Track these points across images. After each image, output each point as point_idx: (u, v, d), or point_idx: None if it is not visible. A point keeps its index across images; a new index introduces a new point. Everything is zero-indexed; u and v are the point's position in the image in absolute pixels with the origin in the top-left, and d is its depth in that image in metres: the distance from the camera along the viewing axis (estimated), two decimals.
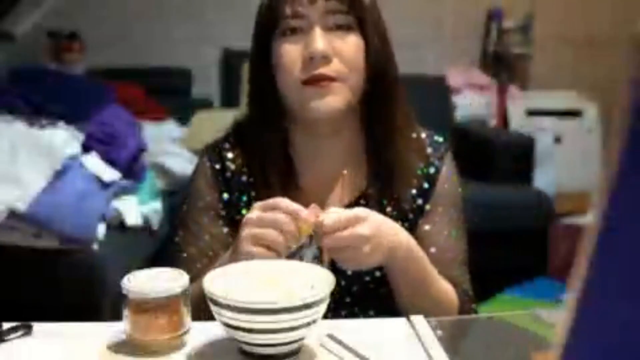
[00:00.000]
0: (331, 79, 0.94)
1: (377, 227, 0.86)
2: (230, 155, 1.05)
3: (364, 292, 1.01)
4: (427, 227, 1.02)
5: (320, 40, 0.93)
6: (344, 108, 0.97)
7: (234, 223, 1.00)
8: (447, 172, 1.05)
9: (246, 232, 0.85)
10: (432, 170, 1.03)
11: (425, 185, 1.03)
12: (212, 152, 1.06)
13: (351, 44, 0.96)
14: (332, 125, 1.00)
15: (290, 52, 0.95)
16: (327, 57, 0.94)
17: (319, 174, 1.03)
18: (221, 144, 1.07)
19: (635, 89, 0.26)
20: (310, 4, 0.94)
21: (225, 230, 1.02)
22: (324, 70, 0.94)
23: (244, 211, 1.01)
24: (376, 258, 0.87)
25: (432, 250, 0.99)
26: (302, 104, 0.97)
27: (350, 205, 1.01)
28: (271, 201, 0.85)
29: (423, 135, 1.07)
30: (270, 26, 0.97)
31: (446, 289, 0.97)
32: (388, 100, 1.00)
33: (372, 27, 0.97)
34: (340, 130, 1.01)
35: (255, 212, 0.86)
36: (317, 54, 0.93)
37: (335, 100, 0.95)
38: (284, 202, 0.85)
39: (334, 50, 0.94)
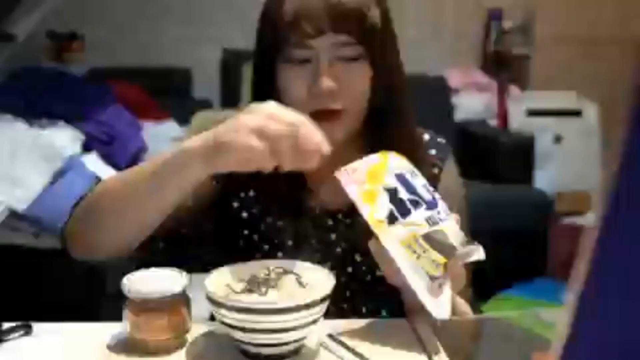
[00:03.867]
0: (337, 112, 0.93)
1: None
2: None
3: (364, 289, 1.01)
4: None
5: (326, 79, 0.91)
6: (348, 135, 0.97)
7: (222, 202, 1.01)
8: (450, 172, 1.05)
9: (244, 139, 0.77)
10: (435, 170, 1.04)
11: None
12: None
13: (358, 75, 0.93)
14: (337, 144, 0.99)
15: (295, 83, 0.93)
16: (333, 93, 0.92)
17: (325, 177, 1.03)
18: None
19: (636, 90, 0.26)
20: (319, 36, 0.90)
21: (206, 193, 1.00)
22: (330, 105, 0.93)
23: (235, 203, 1.02)
24: None
25: None
26: None
27: (354, 205, 1.01)
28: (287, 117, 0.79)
29: (426, 137, 1.07)
30: (274, 50, 0.94)
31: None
32: (391, 124, 0.99)
33: (381, 54, 0.94)
34: (346, 143, 1.00)
35: (274, 123, 0.77)
36: (324, 91, 0.91)
37: (339, 132, 0.95)
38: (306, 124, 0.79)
39: (341, 82, 0.92)
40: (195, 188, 0.95)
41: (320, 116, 0.93)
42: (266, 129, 0.76)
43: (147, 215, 0.86)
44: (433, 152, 1.06)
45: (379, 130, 0.99)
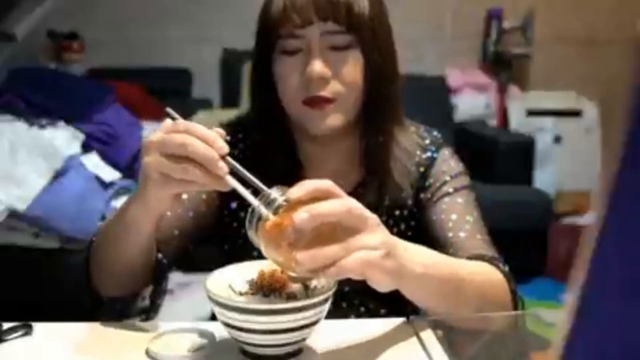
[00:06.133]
0: (329, 100, 0.94)
1: (377, 219, 0.72)
2: (240, 137, 1.06)
3: (364, 288, 1.01)
4: (442, 215, 1.00)
5: (317, 64, 0.93)
6: (343, 125, 0.98)
7: (221, 200, 1.02)
8: (444, 158, 1.06)
9: (146, 158, 0.76)
10: (428, 155, 1.05)
11: (422, 169, 1.04)
12: (226, 127, 1.07)
13: (350, 64, 0.95)
14: (332, 135, 1.00)
15: (289, 73, 0.95)
16: (325, 79, 0.94)
17: (323, 175, 1.03)
18: (235, 126, 1.08)
19: (636, 91, 0.26)
20: (308, 26, 0.93)
21: (204, 196, 1.01)
22: (322, 92, 0.94)
23: (233, 204, 1.03)
24: (388, 265, 0.70)
25: (461, 234, 0.97)
26: (302, 122, 0.98)
27: (349, 195, 1.02)
28: (181, 124, 0.76)
29: (422, 129, 1.09)
30: (269, 44, 0.96)
31: (480, 272, 0.87)
32: (385, 112, 1.01)
33: (372, 43, 0.95)
34: (342, 136, 1.02)
35: (158, 134, 0.75)
36: (315, 76, 0.93)
37: (333, 120, 0.96)
38: (197, 126, 0.74)
39: (333, 70, 0.94)
40: (196, 207, 0.98)
41: (312, 104, 0.94)
42: (149, 140, 0.76)
43: (130, 245, 0.88)
44: (427, 141, 1.07)
45: (373, 120, 1.00)
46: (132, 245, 0.88)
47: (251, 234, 0.72)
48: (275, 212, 0.70)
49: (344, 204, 0.69)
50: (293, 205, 0.69)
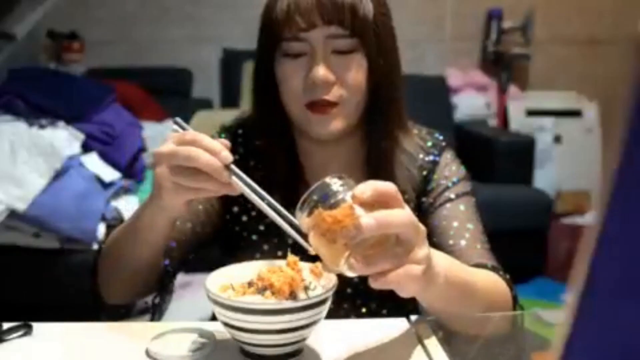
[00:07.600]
0: (332, 104, 0.94)
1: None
2: (240, 140, 1.07)
3: (365, 283, 1.01)
4: (444, 222, 1.00)
5: (321, 68, 0.92)
6: (346, 128, 0.97)
7: (224, 205, 1.04)
8: (446, 163, 1.06)
9: (157, 169, 0.79)
10: (431, 158, 1.05)
11: (424, 173, 1.04)
12: (226, 131, 1.09)
13: (353, 68, 0.94)
14: (335, 138, 1.00)
15: (292, 76, 0.95)
16: (329, 84, 0.93)
17: (324, 173, 1.03)
18: (236, 129, 1.09)
19: (635, 90, 0.26)
20: (312, 29, 0.92)
21: (200, 207, 1.02)
22: (325, 96, 0.94)
23: (235, 208, 1.04)
24: (425, 277, 0.69)
25: (462, 242, 0.97)
26: (305, 126, 0.98)
27: None
28: (189, 135, 0.78)
29: (424, 131, 1.09)
30: (271, 46, 0.96)
31: (487, 280, 0.88)
32: (389, 116, 1.00)
33: (376, 47, 0.95)
34: (344, 138, 1.01)
35: (168, 146, 0.78)
36: (318, 81, 0.92)
37: (336, 124, 0.96)
38: (204, 138, 0.77)
39: (336, 75, 0.93)
40: (195, 217, 1.01)
41: (315, 108, 0.94)
42: (159, 152, 0.79)
43: (145, 248, 0.90)
44: (429, 143, 1.07)
45: (376, 123, 1.00)
46: (147, 248, 0.89)
47: (300, 215, 0.71)
48: (333, 205, 0.69)
49: (409, 218, 0.67)
50: (355, 201, 0.67)
